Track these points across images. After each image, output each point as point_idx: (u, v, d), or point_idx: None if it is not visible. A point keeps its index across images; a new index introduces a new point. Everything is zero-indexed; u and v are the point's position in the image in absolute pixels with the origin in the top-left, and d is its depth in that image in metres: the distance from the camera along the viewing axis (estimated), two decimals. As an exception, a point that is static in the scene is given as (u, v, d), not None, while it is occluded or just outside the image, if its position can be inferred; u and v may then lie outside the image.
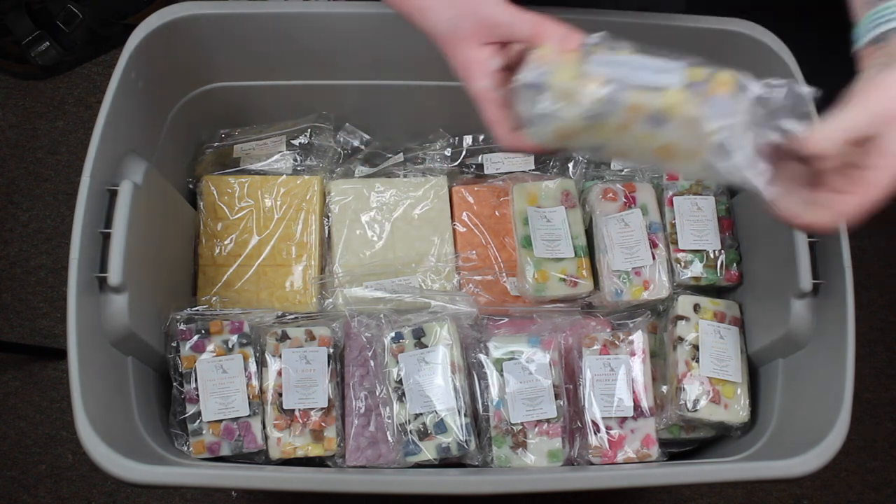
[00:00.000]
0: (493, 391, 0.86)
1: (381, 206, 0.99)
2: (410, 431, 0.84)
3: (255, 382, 0.87)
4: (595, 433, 0.86)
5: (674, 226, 0.97)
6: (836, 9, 0.70)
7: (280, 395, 0.87)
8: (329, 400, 0.87)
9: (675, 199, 0.98)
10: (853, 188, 0.56)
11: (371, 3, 0.88)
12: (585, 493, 1.30)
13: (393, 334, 0.87)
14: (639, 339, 0.89)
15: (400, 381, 0.85)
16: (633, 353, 0.89)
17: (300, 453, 0.86)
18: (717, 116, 0.59)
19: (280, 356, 0.88)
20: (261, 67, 0.96)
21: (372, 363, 0.89)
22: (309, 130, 1.03)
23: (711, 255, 0.96)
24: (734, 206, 0.99)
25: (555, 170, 1.05)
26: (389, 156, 1.06)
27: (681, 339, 0.90)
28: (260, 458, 0.87)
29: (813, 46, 0.97)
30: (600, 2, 0.88)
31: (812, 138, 0.56)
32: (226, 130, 1.05)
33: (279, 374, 0.87)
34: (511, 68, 0.63)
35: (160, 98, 0.93)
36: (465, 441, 0.84)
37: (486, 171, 1.05)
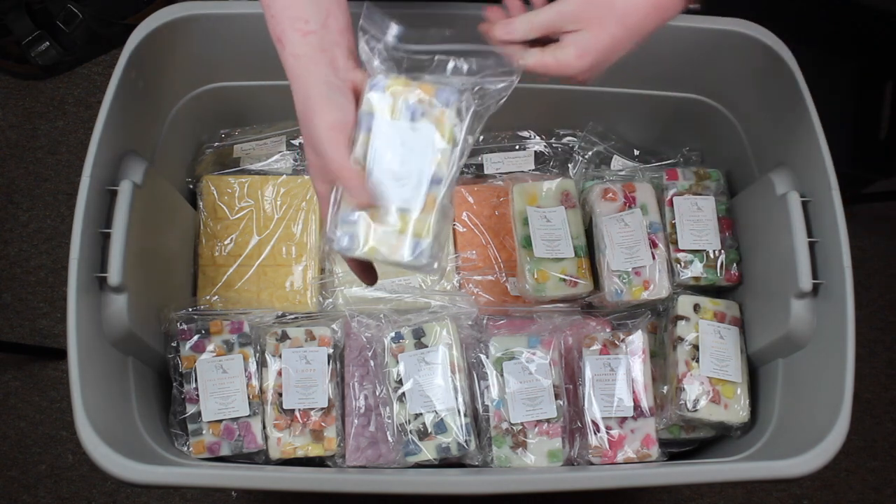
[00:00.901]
0: (493, 391, 0.86)
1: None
2: (410, 431, 0.84)
3: (255, 382, 0.87)
4: (595, 433, 0.86)
5: (674, 226, 0.97)
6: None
7: (280, 395, 0.87)
8: (329, 400, 0.87)
9: (675, 199, 0.98)
10: (549, 53, 0.64)
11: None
12: (585, 493, 1.30)
13: (393, 334, 0.87)
14: (639, 339, 0.89)
15: (400, 381, 0.85)
16: (633, 353, 0.89)
17: (300, 453, 0.86)
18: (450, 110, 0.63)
19: (280, 356, 0.88)
20: (261, 67, 0.95)
21: (372, 363, 0.89)
22: (309, 130, 1.02)
23: (711, 255, 0.96)
24: (734, 206, 0.99)
25: (555, 170, 1.05)
26: (389, 156, 1.06)
27: (681, 339, 0.90)
28: (260, 458, 0.87)
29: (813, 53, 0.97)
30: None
31: (511, 32, 0.65)
32: (226, 130, 1.05)
33: (279, 374, 0.87)
34: None
35: (160, 98, 0.93)
36: (465, 441, 0.84)
37: (485, 171, 1.05)
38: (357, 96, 0.64)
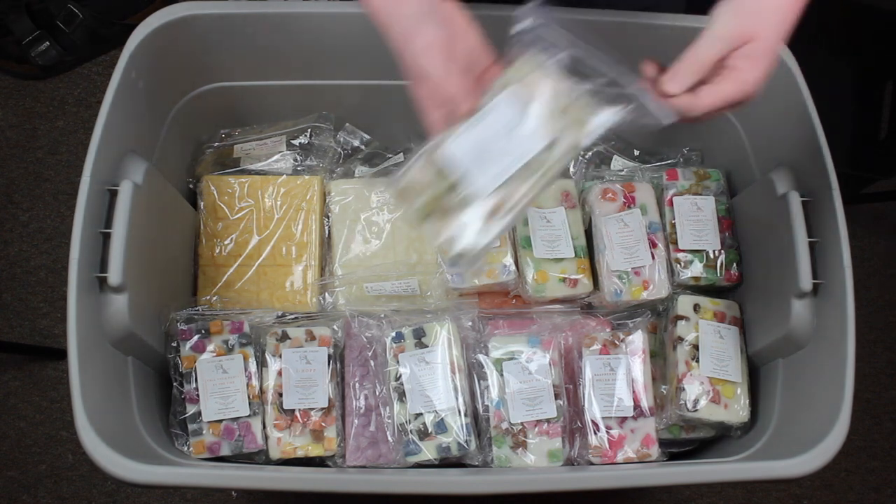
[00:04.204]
0: (493, 391, 0.86)
1: (382, 206, 0.99)
2: (410, 431, 0.84)
3: (255, 382, 0.87)
4: (595, 433, 0.86)
5: (673, 226, 0.97)
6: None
7: (280, 395, 0.87)
8: (329, 400, 0.87)
9: (674, 199, 0.98)
10: (724, 81, 0.62)
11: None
12: (585, 493, 1.30)
13: (393, 334, 0.87)
14: (639, 338, 0.89)
15: (400, 381, 0.85)
16: (632, 353, 0.89)
17: (300, 453, 0.86)
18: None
19: (280, 356, 0.88)
20: (261, 67, 0.96)
21: (372, 363, 0.89)
22: (309, 130, 1.03)
23: (711, 255, 0.96)
24: (734, 206, 0.99)
25: (555, 170, 1.05)
26: (389, 156, 1.06)
27: (681, 338, 0.90)
28: (260, 458, 0.87)
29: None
30: (600, 2, 0.88)
31: (682, 82, 0.61)
32: (226, 130, 1.05)
33: (279, 374, 0.88)
34: None
35: (160, 98, 0.93)
36: (466, 441, 0.84)
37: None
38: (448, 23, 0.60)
